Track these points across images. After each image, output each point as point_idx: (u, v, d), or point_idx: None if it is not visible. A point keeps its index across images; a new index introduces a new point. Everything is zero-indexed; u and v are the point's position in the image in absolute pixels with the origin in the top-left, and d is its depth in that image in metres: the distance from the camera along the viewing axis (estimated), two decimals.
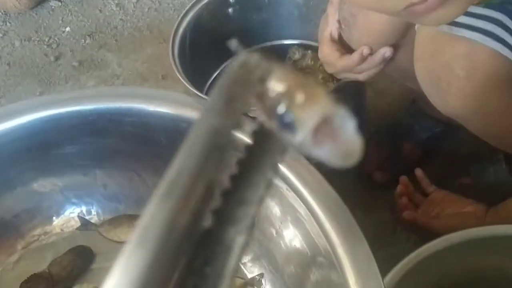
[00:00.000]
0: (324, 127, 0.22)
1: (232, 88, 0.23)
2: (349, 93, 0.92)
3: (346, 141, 0.23)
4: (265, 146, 0.25)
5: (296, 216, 0.70)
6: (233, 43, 0.24)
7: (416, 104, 0.98)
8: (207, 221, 0.23)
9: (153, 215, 0.21)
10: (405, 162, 0.96)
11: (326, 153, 0.23)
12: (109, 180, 0.87)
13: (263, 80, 0.23)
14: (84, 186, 0.87)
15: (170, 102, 0.77)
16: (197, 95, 0.90)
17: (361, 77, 0.80)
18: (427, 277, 0.72)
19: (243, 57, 0.23)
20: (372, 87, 1.09)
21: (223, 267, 0.23)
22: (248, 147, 0.25)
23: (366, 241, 0.59)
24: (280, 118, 0.22)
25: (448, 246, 0.70)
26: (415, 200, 0.89)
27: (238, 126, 0.22)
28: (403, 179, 0.89)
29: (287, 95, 0.22)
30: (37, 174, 0.83)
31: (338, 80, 0.92)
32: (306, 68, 1.02)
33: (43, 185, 0.84)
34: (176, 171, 0.21)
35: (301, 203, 0.67)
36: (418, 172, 0.90)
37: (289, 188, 0.68)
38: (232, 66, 0.23)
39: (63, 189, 0.86)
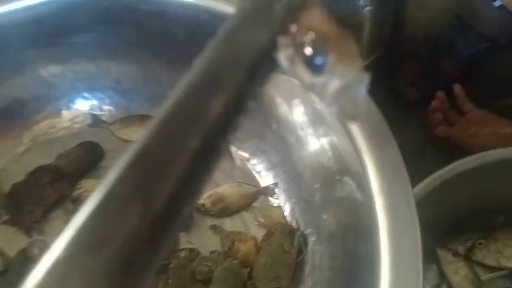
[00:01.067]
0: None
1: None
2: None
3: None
4: None
5: (321, 121, 0.64)
6: None
7: (461, 19, 0.89)
8: None
9: None
10: (442, 79, 0.88)
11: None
12: (123, 75, 0.82)
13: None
14: (96, 79, 0.82)
15: None
16: None
17: None
18: (457, 196, 0.66)
19: None
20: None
21: None
22: None
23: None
24: (312, 56, 0.22)
25: (482, 165, 0.64)
26: (450, 118, 0.82)
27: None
28: (440, 93, 0.82)
29: (326, 41, 0.22)
30: (47, 61, 0.78)
31: None
32: None
33: (53, 73, 0.79)
34: None
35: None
36: (457, 87, 0.82)
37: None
38: None
39: (74, 80, 0.81)
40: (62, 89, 0.82)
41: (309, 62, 0.23)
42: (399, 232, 0.48)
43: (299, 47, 0.23)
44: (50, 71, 0.79)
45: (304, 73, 0.23)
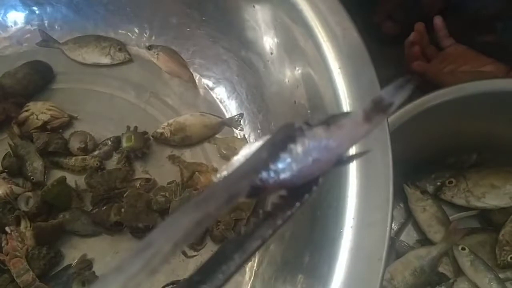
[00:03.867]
0: None
1: None
2: None
3: None
4: None
5: (293, 48, 0.59)
6: None
7: None
8: None
9: None
10: (422, 12, 0.83)
11: None
12: None
13: None
14: None
15: None
16: None
17: None
18: (429, 131, 0.63)
19: None
20: None
21: None
22: None
23: None
24: None
25: (459, 97, 0.60)
26: (427, 54, 0.77)
27: None
28: (419, 25, 0.77)
29: None
30: None
31: None
32: None
33: None
34: None
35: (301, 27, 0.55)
36: (438, 19, 0.78)
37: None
38: None
39: None
40: (9, 2, 0.74)
41: None
42: (369, 156, 0.45)
43: None
44: None
45: None
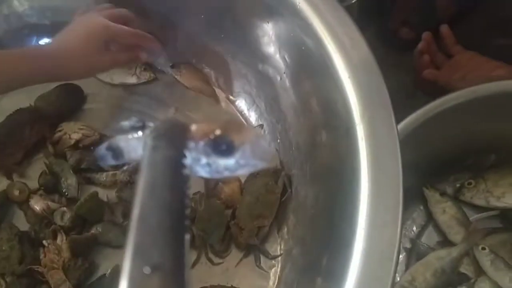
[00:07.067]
0: None
1: None
2: None
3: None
4: None
5: (307, 61, 0.61)
6: None
7: None
8: None
9: None
10: (436, 18, 0.84)
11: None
12: None
13: None
14: None
15: None
16: None
17: None
18: (445, 133, 0.64)
19: None
20: None
21: None
22: None
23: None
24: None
25: (472, 99, 0.61)
26: (437, 61, 0.78)
27: None
28: (426, 34, 0.78)
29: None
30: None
31: None
32: None
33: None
34: None
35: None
36: (444, 28, 0.79)
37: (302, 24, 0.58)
38: None
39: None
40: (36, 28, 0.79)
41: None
42: (380, 160, 0.47)
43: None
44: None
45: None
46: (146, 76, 0.79)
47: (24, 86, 0.63)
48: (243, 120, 0.76)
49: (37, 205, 0.68)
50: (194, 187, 0.70)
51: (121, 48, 0.69)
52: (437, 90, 0.76)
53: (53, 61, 0.64)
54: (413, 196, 0.73)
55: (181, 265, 0.23)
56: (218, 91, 0.78)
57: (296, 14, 0.59)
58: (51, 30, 0.78)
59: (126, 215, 0.67)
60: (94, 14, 0.68)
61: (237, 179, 0.70)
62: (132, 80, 0.79)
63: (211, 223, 0.65)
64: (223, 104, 0.78)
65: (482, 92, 0.60)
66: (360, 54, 0.53)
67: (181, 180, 0.28)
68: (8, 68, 0.60)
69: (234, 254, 0.66)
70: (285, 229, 0.66)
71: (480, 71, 0.74)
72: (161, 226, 0.24)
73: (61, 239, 0.64)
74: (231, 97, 0.77)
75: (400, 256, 0.67)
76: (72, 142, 0.72)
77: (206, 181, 0.70)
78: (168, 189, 0.26)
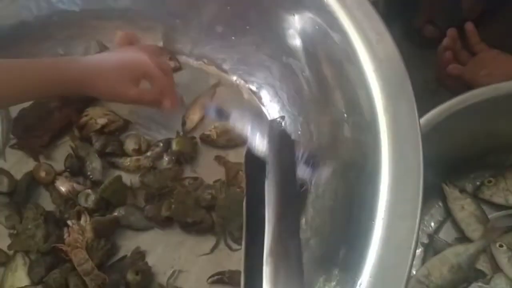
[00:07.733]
0: None
1: None
2: None
3: None
4: None
5: (329, 47, 0.62)
6: None
7: None
8: None
9: None
10: (462, 16, 0.84)
11: None
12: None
13: None
14: None
15: None
16: None
17: None
18: (466, 130, 0.64)
19: None
20: None
21: None
22: None
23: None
24: None
25: (495, 97, 0.61)
26: (460, 59, 0.79)
27: None
28: (451, 31, 0.78)
29: None
30: None
31: None
32: None
33: None
34: None
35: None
36: (469, 25, 0.79)
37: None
38: None
39: None
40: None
41: None
42: (401, 152, 0.47)
43: None
44: None
45: None
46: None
47: (51, 94, 0.64)
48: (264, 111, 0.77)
49: (63, 186, 0.70)
50: (215, 175, 0.71)
51: (149, 90, 0.69)
52: (460, 86, 0.76)
53: (83, 75, 0.64)
54: (432, 192, 0.73)
55: None
56: (241, 82, 0.79)
57: (322, 8, 0.60)
58: (80, 17, 0.82)
59: (148, 199, 0.69)
60: (140, 50, 0.68)
61: None
62: None
63: (231, 210, 0.67)
64: (245, 95, 0.79)
65: (505, 89, 0.60)
66: (385, 49, 0.54)
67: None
68: (36, 76, 0.62)
69: None
70: (303, 219, 0.67)
71: (505, 69, 0.74)
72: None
73: (85, 220, 0.66)
74: (253, 88, 0.78)
75: (417, 251, 0.67)
76: (98, 127, 0.74)
77: (227, 170, 0.71)
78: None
